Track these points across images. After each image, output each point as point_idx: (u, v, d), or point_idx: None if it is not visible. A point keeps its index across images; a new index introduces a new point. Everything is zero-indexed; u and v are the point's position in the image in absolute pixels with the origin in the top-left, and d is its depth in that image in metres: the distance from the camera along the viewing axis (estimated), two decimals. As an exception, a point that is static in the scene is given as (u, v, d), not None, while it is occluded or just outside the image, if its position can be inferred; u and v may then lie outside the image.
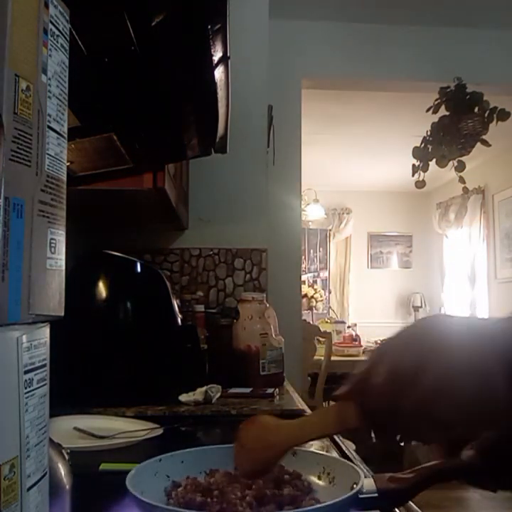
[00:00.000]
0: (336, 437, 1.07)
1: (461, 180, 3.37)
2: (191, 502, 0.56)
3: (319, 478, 0.64)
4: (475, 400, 0.43)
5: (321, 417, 0.56)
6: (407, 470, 0.59)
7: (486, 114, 3.13)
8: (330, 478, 0.63)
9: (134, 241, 2.07)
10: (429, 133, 3.34)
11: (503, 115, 3.12)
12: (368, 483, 0.58)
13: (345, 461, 0.65)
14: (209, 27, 0.72)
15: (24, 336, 0.36)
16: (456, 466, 0.57)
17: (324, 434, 0.57)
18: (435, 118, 3.26)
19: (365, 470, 0.79)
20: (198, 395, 1.34)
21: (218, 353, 1.69)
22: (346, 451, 0.96)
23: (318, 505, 0.54)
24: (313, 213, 6.10)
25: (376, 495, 0.56)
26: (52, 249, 0.39)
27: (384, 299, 7.07)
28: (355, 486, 0.58)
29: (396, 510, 0.65)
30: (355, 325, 5.84)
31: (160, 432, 1.06)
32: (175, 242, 2.16)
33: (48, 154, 0.39)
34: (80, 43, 0.66)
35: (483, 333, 0.46)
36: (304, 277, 5.63)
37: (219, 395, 1.38)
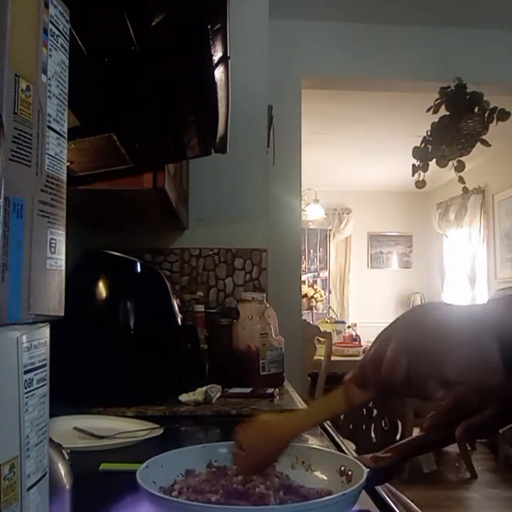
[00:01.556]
0: (335, 437, 1.07)
1: (461, 180, 3.37)
2: (207, 502, 0.56)
3: (293, 467, 0.65)
4: (475, 363, 0.51)
5: (327, 401, 0.60)
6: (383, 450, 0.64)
7: (486, 114, 3.13)
8: (306, 466, 0.65)
9: (134, 241, 2.07)
10: (429, 133, 3.34)
11: (503, 115, 3.12)
12: (350, 462, 0.61)
13: (316, 447, 0.66)
14: (209, 27, 0.72)
15: (24, 336, 0.36)
16: (432, 440, 0.63)
17: (333, 415, 0.61)
18: (435, 118, 3.26)
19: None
20: (198, 395, 1.34)
21: (218, 353, 1.69)
22: (345, 450, 0.96)
23: (349, 490, 0.54)
24: (313, 213, 6.10)
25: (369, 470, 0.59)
26: (52, 249, 0.39)
27: (384, 299, 7.07)
28: (342, 468, 0.60)
29: (396, 510, 0.66)
30: (355, 325, 5.83)
31: (160, 432, 1.06)
32: (175, 242, 2.16)
33: (48, 154, 0.39)
34: (80, 43, 0.66)
35: (477, 311, 0.55)
36: (304, 277, 5.63)
37: (219, 395, 1.38)
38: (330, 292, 7.24)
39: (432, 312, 0.56)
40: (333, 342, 4.10)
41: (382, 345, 0.56)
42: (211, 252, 2.15)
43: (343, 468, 0.61)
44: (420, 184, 3.44)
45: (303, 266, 5.81)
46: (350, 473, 0.60)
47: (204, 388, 1.36)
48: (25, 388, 0.36)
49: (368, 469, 0.58)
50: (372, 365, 0.56)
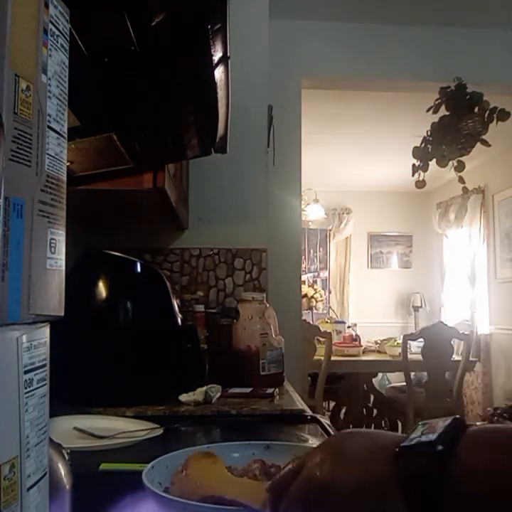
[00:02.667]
0: (330, 430, 1.07)
1: (461, 180, 3.37)
2: (221, 501, 0.56)
3: None
4: None
5: (255, 493, 0.56)
6: None
7: (486, 114, 3.13)
8: None
9: (134, 241, 2.07)
10: (429, 133, 3.34)
11: (503, 115, 3.12)
12: None
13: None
14: (209, 27, 0.72)
15: (24, 336, 0.36)
16: None
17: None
18: (435, 118, 3.26)
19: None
20: (198, 395, 1.34)
21: (218, 353, 1.69)
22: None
23: None
24: (313, 213, 6.10)
25: None
26: (52, 249, 0.39)
27: (384, 299, 7.07)
28: None
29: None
30: (355, 325, 5.84)
31: (160, 432, 1.06)
32: (175, 242, 2.16)
33: (48, 154, 0.39)
34: (80, 43, 0.66)
35: (384, 459, 0.44)
36: (304, 277, 5.63)
37: (219, 395, 1.38)
38: (330, 292, 7.24)
39: (342, 450, 0.47)
40: (333, 342, 4.10)
41: (293, 471, 0.49)
42: (211, 252, 2.15)
43: None
44: (420, 184, 3.44)
45: (303, 266, 5.81)
46: None
47: (204, 388, 1.36)
48: (25, 388, 0.36)
49: None
50: (274, 492, 0.49)
